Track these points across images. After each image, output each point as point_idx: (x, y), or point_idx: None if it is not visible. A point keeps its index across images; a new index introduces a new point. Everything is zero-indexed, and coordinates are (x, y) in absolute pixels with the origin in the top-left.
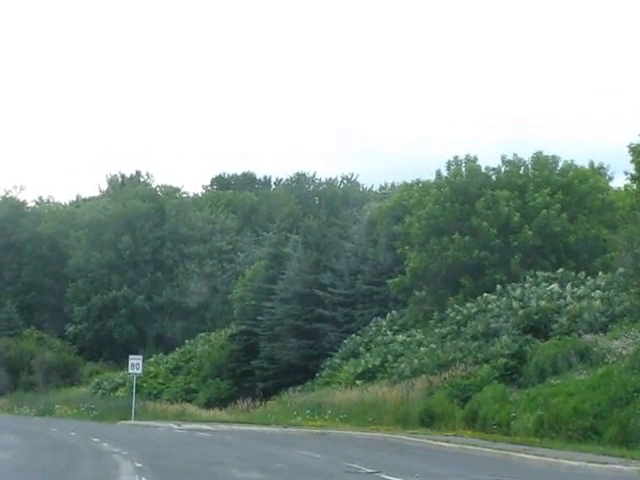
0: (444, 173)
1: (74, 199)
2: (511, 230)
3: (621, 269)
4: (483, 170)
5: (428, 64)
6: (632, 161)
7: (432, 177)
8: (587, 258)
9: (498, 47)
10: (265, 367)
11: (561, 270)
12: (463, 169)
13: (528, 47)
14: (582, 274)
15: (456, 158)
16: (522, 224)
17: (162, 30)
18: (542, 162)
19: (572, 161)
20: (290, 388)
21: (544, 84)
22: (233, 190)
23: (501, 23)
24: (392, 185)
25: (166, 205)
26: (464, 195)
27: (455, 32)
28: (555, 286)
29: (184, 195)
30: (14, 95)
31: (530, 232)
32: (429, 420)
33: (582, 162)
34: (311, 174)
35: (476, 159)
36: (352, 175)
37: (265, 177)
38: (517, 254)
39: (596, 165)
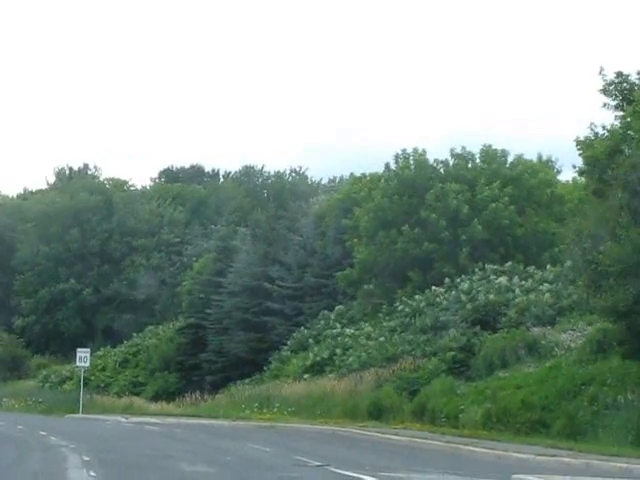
0: (393, 166)
1: (21, 192)
2: (460, 223)
3: (569, 262)
4: (432, 163)
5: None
6: (580, 154)
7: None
8: (535, 251)
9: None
10: (213, 360)
11: (509, 263)
12: (411, 162)
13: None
14: (530, 267)
15: (404, 151)
16: (471, 217)
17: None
18: (491, 155)
19: (521, 155)
20: (238, 381)
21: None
22: (181, 183)
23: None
24: (340, 178)
25: (114, 198)
26: (412, 188)
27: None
28: (503, 279)
29: (132, 188)
30: None
31: (479, 225)
32: (377, 413)
33: (531, 155)
34: (259, 167)
35: (424, 152)
36: (300, 168)
37: (213, 170)
38: (466, 247)
39: (544, 158)
